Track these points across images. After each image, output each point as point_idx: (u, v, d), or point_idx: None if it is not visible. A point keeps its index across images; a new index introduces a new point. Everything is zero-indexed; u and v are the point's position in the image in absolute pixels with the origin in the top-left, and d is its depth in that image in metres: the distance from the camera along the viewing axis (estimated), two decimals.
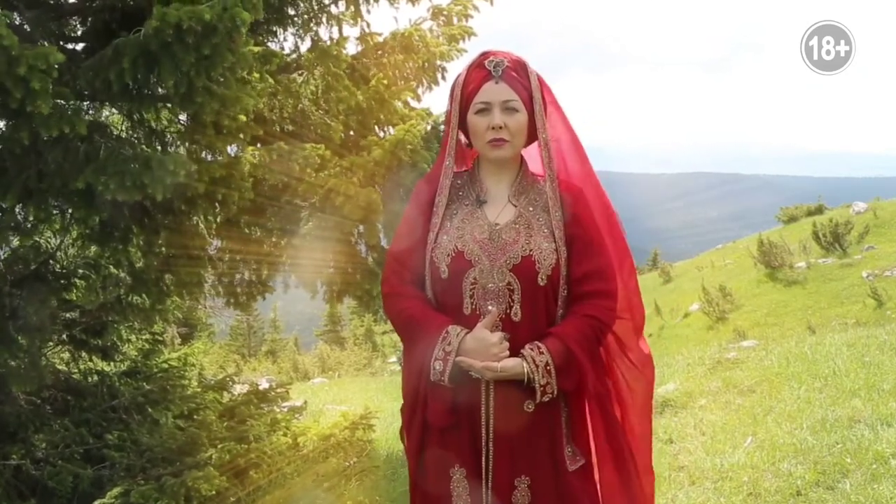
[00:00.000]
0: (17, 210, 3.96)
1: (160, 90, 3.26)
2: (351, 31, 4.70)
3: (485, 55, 2.08)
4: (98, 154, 3.21)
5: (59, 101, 3.09)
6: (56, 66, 2.79)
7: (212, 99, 3.12)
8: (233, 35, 2.81)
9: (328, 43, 4.43)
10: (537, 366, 1.95)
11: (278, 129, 4.30)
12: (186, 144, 4.03)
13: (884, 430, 3.99)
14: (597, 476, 2.17)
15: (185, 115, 3.92)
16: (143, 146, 3.68)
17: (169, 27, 2.74)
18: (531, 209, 2.09)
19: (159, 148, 3.86)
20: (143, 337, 5.02)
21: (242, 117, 3.65)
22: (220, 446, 4.08)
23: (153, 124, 3.92)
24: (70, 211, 3.88)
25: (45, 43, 3.47)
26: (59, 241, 4.46)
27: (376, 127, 4.51)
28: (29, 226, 4.17)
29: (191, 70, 2.92)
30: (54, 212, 3.98)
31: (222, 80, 3.17)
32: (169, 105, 3.50)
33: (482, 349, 1.95)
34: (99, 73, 3.07)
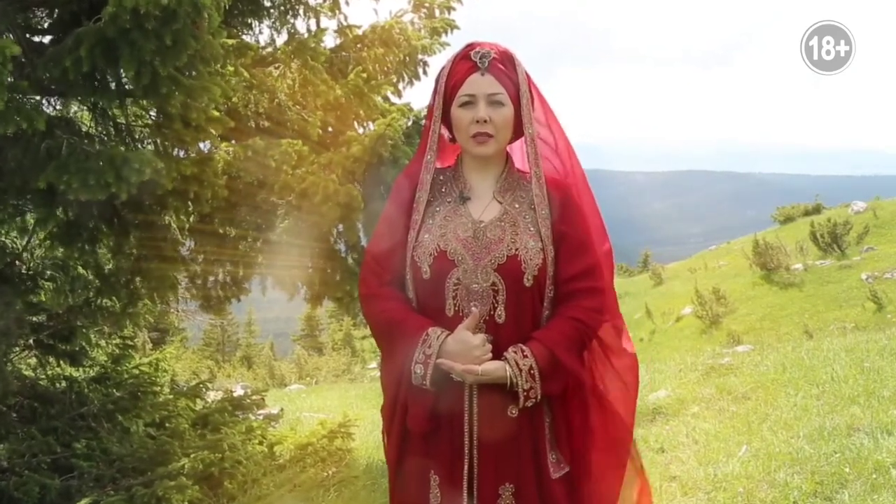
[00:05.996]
0: None
1: (124, 81, 3.14)
2: (329, 24, 4.65)
3: (471, 46, 2.02)
4: (60, 151, 3.11)
5: (16, 95, 2.96)
6: (12, 58, 2.69)
7: (178, 89, 3.01)
8: (195, 21, 2.69)
9: (305, 35, 4.35)
10: (521, 369, 1.89)
11: (253, 125, 4.21)
12: (157, 141, 3.92)
13: (884, 438, 3.93)
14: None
15: (155, 111, 3.81)
16: (112, 143, 3.58)
17: (126, 13, 2.64)
18: (517, 206, 2.03)
19: (127, 145, 3.75)
20: (113, 342, 4.92)
21: (215, 112, 3.55)
22: (192, 455, 4.01)
23: (120, 119, 3.80)
24: (31, 211, 3.77)
25: (11, 35, 3.34)
26: (25, 241, 4.34)
27: (355, 122, 4.43)
28: None
29: (154, 58, 2.81)
30: (14, 211, 3.87)
31: (190, 71, 3.06)
32: (134, 98, 3.38)
33: (464, 352, 1.89)
34: (58, 63, 2.97)
